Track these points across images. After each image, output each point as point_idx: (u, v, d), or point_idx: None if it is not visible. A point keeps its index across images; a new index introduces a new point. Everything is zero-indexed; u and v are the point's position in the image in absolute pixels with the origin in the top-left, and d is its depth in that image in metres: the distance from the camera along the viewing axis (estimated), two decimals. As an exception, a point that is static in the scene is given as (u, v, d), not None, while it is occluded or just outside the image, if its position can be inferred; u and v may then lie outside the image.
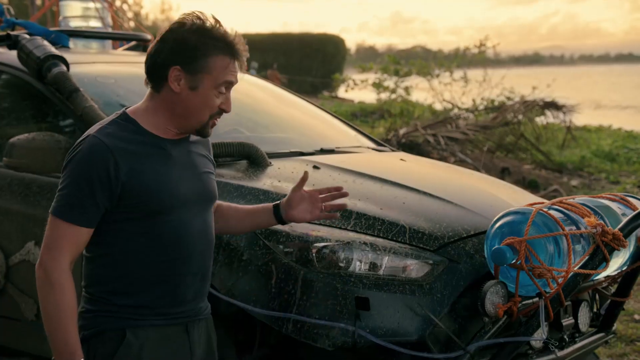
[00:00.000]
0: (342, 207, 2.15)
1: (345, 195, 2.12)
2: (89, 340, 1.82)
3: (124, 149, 1.79)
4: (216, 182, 2.02)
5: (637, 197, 2.68)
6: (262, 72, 21.91)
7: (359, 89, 17.55)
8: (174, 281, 1.88)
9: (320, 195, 2.09)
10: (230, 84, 1.84)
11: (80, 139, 1.83)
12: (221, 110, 1.86)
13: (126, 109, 1.90)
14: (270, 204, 2.12)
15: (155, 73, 1.85)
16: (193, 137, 1.98)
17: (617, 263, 2.49)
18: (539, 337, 2.31)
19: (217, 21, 1.83)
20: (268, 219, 2.12)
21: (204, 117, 1.85)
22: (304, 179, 2.09)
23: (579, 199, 2.51)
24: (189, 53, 1.80)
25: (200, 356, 1.95)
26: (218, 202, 2.11)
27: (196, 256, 1.91)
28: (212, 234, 1.99)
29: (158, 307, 1.86)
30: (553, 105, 11.30)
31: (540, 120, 11.55)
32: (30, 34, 3.37)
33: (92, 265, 1.87)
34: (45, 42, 3.23)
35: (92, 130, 1.84)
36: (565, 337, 2.55)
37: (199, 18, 1.81)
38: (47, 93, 3.12)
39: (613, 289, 2.81)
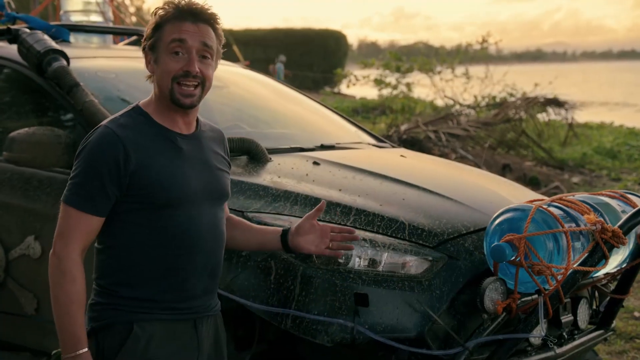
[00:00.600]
0: (349, 249, 2.18)
1: (355, 238, 2.14)
2: (97, 332, 1.85)
3: (135, 141, 1.82)
4: None
5: (637, 194, 2.68)
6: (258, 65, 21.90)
7: (360, 85, 17.55)
8: (180, 276, 1.88)
9: (331, 233, 2.10)
10: (180, 42, 1.82)
11: (94, 129, 1.87)
12: (186, 73, 1.83)
13: (139, 102, 1.93)
14: (280, 229, 2.13)
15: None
16: (208, 134, 1.99)
17: (616, 260, 2.48)
18: (537, 334, 2.30)
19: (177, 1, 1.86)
20: (274, 242, 2.13)
21: (167, 82, 1.84)
22: (320, 208, 2.09)
23: (578, 196, 2.51)
24: (148, 35, 1.88)
25: (208, 352, 1.96)
26: (229, 215, 2.12)
27: (204, 252, 1.91)
28: (223, 231, 1.99)
29: (165, 301, 1.87)
30: (555, 102, 11.30)
31: (542, 117, 11.54)
32: (30, 28, 3.37)
33: (101, 256, 1.89)
34: (46, 37, 3.22)
35: (105, 121, 1.88)
36: (564, 334, 2.55)
37: (165, 3, 1.88)
38: (47, 87, 3.12)
39: (612, 286, 2.80)
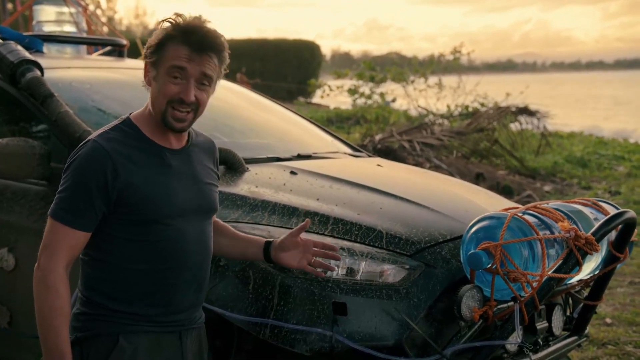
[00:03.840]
0: (330, 269, 2.21)
1: (336, 258, 2.17)
2: (82, 342, 1.84)
3: (123, 156, 1.81)
4: None
5: (609, 202, 2.73)
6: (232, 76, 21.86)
7: (334, 95, 17.60)
8: (168, 290, 1.88)
9: (314, 248, 2.12)
10: (181, 70, 1.81)
11: (82, 142, 1.85)
12: (181, 100, 1.82)
13: (130, 114, 1.92)
14: (263, 240, 2.15)
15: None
16: (198, 147, 1.98)
17: (589, 267, 2.52)
18: (514, 340, 2.32)
19: (190, 17, 1.83)
20: (257, 253, 2.15)
21: (162, 104, 1.83)
22: (304, 226, 2.11)
23: (552, 204, 2.55)
24: (151, 47, 1.85)
25: None
26: (215, 219, 2.11)
27: (191, 267, 1.90)
28: (210, 245, 1.99)
29: (151, 315, 1.86)
30: (526, 112, 11.45)
31: (514, 126, 11.68)
32: (3, 39, 3.33)
33: (88, 269, 1.88)
34: (19, 47, 3.19)
35: (95, 134, 1.86)
36: (539, 340, 2.58)
37: (176, 14, 1.85)
38: (21, 98, 3.09)
39: (585, 293, 2.85)
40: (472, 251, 2.28)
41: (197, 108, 1.86)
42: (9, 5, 12.25)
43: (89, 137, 1.87)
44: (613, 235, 2.54)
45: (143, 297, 1.85)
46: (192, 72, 1.81)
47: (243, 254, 2.19)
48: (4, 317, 2.98)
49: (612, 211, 2.57)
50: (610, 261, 2.58)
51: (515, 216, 2.33)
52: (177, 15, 1.84)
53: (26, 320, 2.83)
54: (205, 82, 1.85)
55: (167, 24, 1.83)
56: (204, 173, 1.97)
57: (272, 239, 2.14)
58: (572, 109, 26.87)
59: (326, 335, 2.23)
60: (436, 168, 8.72)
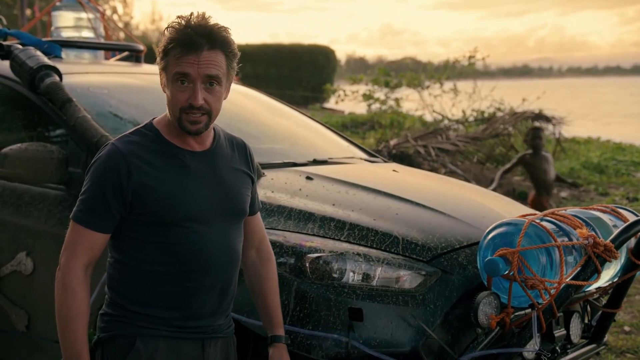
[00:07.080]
0: None
1: None
2: (103, 343, 1.86)
3: (139, 157, 1.82)
4: None
5: (628, 208, 2.70)
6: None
7: (349, 100, 17.60)
8: (187, 294, 1.87)
9: None
10: (183, 76, 1.78)
11: (103, 146, 1.88)
12: (190, 105, 1.80)
13: (153, 119, 1.93)
14: (281, 334, 2.11)
15: None
16: (225, 150, 1.97)
17: (608, 274, 2.50)
18: (531, 348, 2.31)
19: (189, 17, 1.81)
20: (265, 324, 2.14)
21: (175, 112, 1.82)
22: None
23: (570, 210, 2.53)
24: (160, 55, 1.85)
25: None
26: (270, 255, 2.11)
27: (212, 270, 1.89)
28: (237, 249, 1.96)
29: (170, 318, 1.86)
30: (542, 117, 11.37)
31: (529, 132, 11.59)
32: (23, 44, 3.36)
33: (111, 269, 1.90)
34: (38, 53, 3.22)
35: (115, 138, 1.89)
36: (557, 348, 2.55)
37: (178, 17, 1.84)
38: (39, 103, 3.12)
39: (604, 300, 2.82)
40: (489, 258, 2.27)
41: (209, 111, 1.83)
42: (28, 12, 12.37)
43: (109, 141, 1.89)
44: (632, 242, 2.51)
45: (161, 300, 1.86)
46: (196, 75, 1.79)
47: (259, 309, 2.15)
48: (22, 320, 3.00)
49: (632, 218, 2.55)
50: (629, 269, 2.56)
51: (533, 223, 2.32)
52: (180, 17, 1.82)
53: (44, 323, 2.85)
54: (213, 83, 1.81)
55: (170, 29, 1.81)
56: (231, 175, 1.95)
57: (280, 338, 2.11)
58: (595, 115, 26.57)
59: (342, 341, 2.23)
60: (451, 173, 8.68)
